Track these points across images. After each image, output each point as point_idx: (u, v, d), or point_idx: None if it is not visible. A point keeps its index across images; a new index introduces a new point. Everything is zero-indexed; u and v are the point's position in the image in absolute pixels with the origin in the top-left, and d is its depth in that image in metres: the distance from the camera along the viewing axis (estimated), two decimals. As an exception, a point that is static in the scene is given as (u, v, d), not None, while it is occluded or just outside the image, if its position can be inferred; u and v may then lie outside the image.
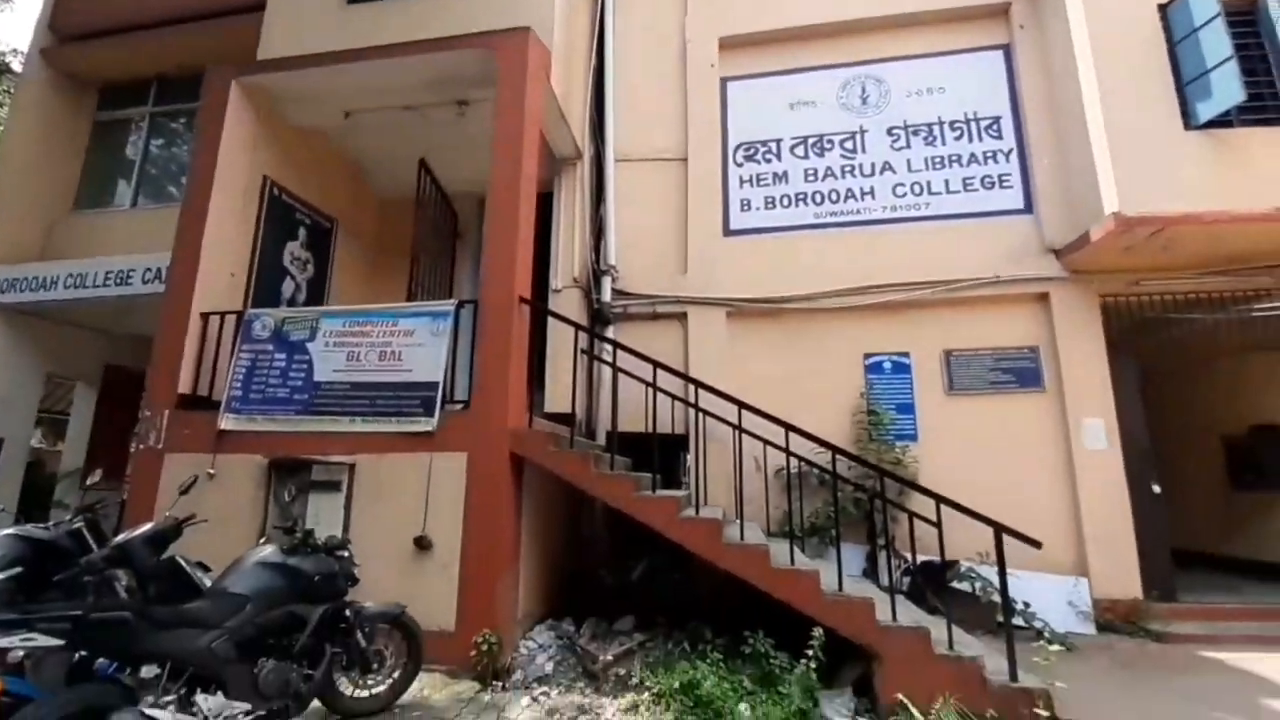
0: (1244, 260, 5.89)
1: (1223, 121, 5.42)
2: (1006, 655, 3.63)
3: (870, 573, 5.94)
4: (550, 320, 6.34)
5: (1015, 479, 6.17)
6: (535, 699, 4.13)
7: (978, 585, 5.58)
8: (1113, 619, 5.56)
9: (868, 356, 6.63)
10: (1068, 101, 6.23)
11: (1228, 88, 5.26)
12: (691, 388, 5.05)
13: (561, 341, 6.41)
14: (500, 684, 4.32)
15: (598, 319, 6.90)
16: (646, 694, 4.04)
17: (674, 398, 5.11)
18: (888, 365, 6.60)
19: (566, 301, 6.81)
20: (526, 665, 4.51)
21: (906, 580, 5.80)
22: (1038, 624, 5.29)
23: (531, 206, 5.49)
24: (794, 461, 4.56)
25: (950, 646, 3.70)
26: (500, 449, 4.75)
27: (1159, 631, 5.30)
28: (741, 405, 4.68)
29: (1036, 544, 3.88)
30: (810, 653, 3.81)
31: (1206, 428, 8.19)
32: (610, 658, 4.47)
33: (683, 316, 6.88)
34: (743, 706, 3.75)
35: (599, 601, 5.46)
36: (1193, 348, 7.82)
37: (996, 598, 5.52)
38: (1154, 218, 5.22)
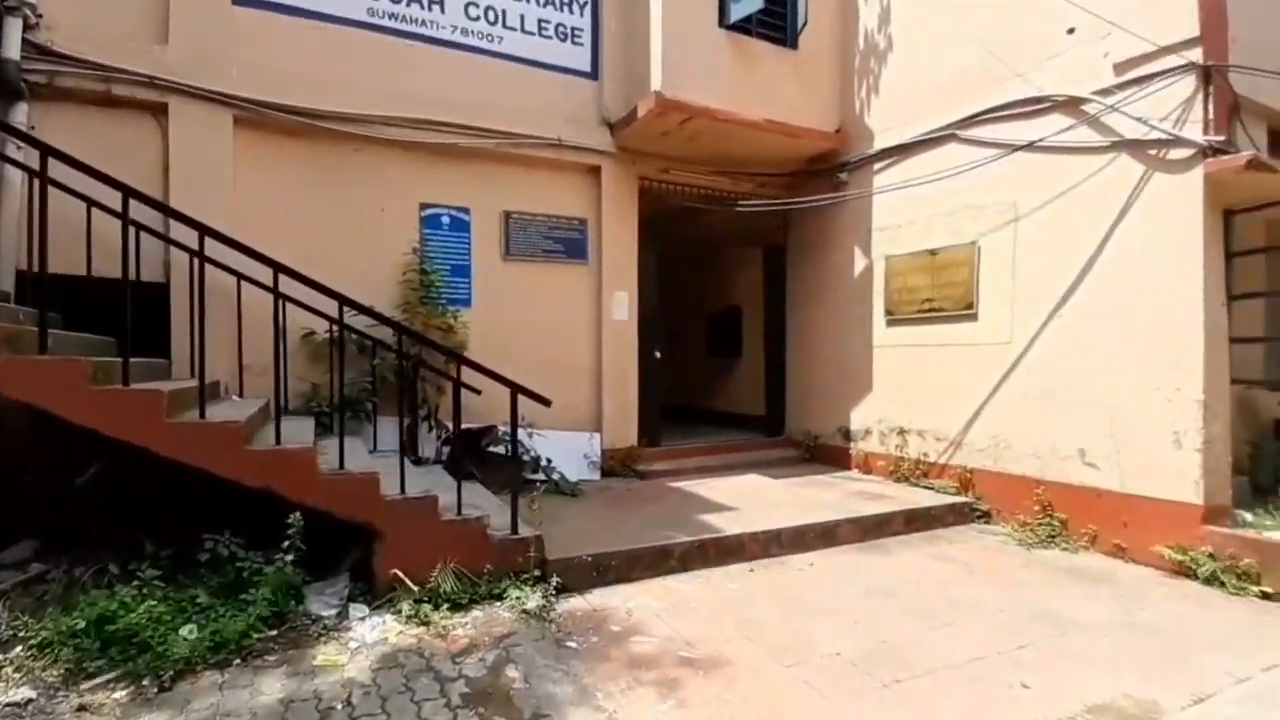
0: (741, 164, 7.10)
1: (744, 27, 6.16)
2: (511, 511, 3.59)
3: (410, 445, 5.47)
4: None
5: (562, 347, 6.47)
6: None
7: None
8: (614, 464, 6.47)
9: (425, 208, 5.84)
10: (638, -30, 6.24)
11: (751, -7, 5.95)
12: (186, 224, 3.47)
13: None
14: None
15: (-8, 87, 4.25)
16: (19, 648, 2.72)
17: (140, 229, 3.45)
18: (446, 220, 5.95)
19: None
20: None
21: (447, 450, 5.60)
22: (555, 476, 5.72)
23: None
24: (326, 326, 3.61)
25: (459, 511, 3.47)
26: None
27: (644, 470, 6.39)
28: (255, 256, 3.37)
29: (546, 402, 3.91)
30: (287, 544, 3.08)
31: (700, 306, 10.24)
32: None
33: (161, 110, 4.78)
34: (186, 629, 2.83)
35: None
36: (699, 236, 9.49)
37: (529, 458, 5.82)
38: (686, 104, 5.69)
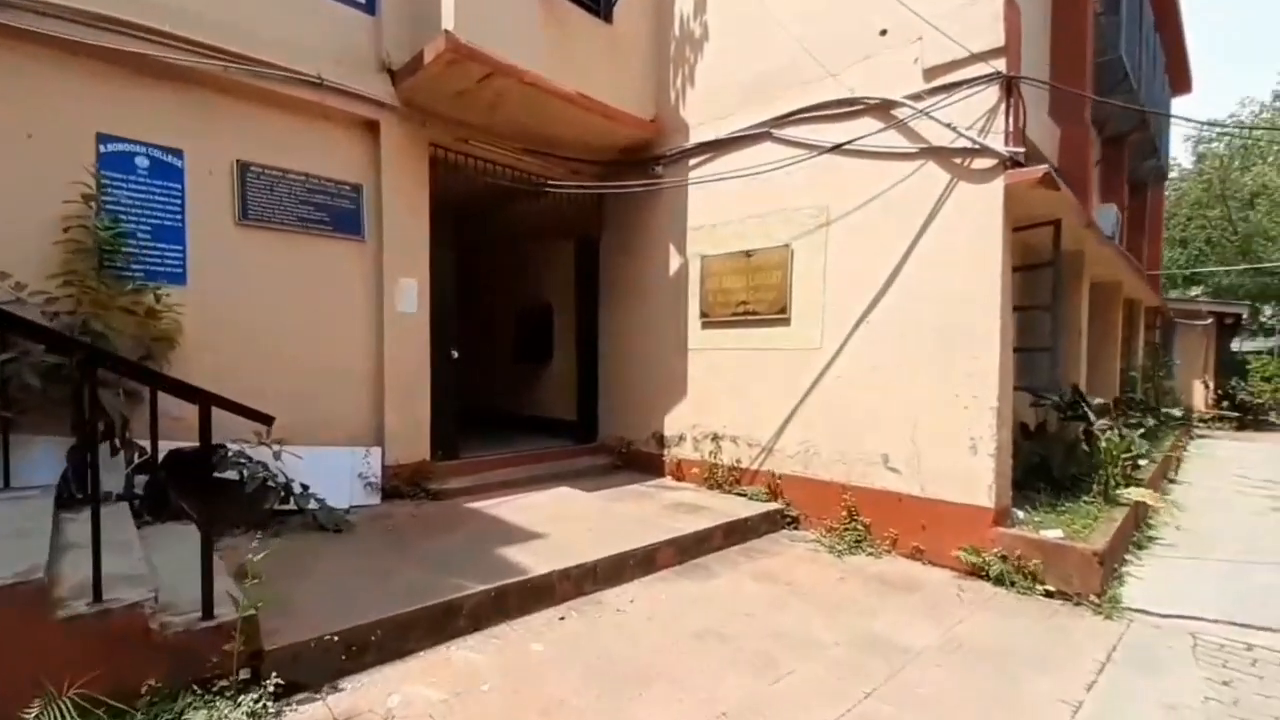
0: (551, 144, 6.35)
1: (560, -14, 5.44)
2: (203, 579, 2.39)
3: (76, 478, 3.79)
4: None
5: (328, 343, 5.14)
6: None
7: (248, 472, 4.29)
8: (399, 484, 5.30)
9: (106, 141, 4.15)
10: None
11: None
12: None
13: None
14: None
15: None
16: None
17: None
18: (144, 163, 4.31)
19: None
20: None
21: (143, 482, 4.03)
22: (313, 506, 4.43)
23: None
24: None
25: (98, 594, 2.19)
26: None
27: (437, 490, 5.31)
28: None
29: (267, 420, 2.79)
30: None
31: (508, 303, 9.28)
32: None
33: None
34: None
35: None
36: (508, 225, 8.56)
37: (275, 481, 4.43)
38: (486, 57, 4.77)
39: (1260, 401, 13.05)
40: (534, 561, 3.68)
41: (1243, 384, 13.43)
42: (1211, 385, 14.06)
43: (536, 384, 8.68)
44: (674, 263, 6.44)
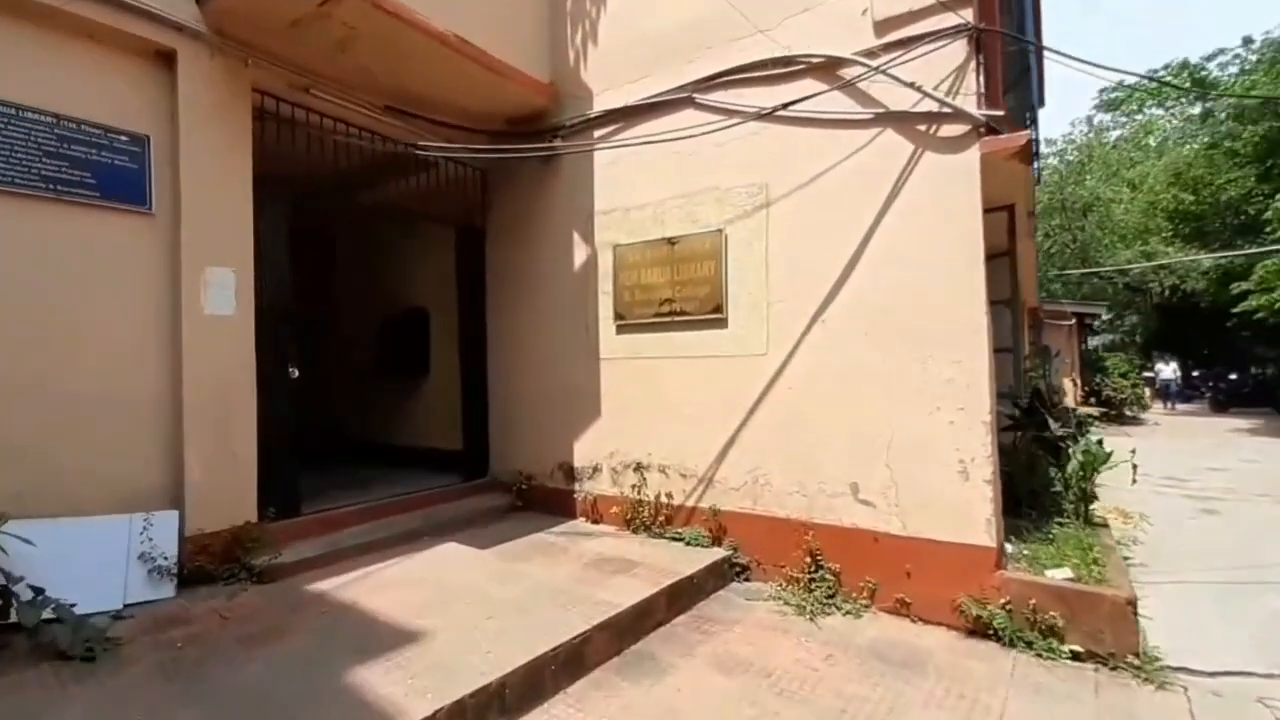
0: (421, 105, 5.05)
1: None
2: None
3: None
4: None
5: (85, 360, 3.55)
6: None
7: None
8: (207, 562, 3.76)
9: None
10: None
11: None
12: None
13: None
14: None
15: None
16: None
17: None
18: None
19: None
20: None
21: None
22: (51, 617, 2.86)
23: None
24: None
25: None
26: None
27: (265, 565, 3.81)
28: None
29: None
30: None
31: (372, 308, 7.69)
32: None
33: None
34: None
35: None
36: (372, 207, 7.05)
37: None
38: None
39: (1123, 397, 14.17)
40: (406, 693, 2.41)
41: (1106, 380, 14.55)
42: (1079, 382, 15.15)
43: (410, 406, 7.16)
44: (579, 254, 5.34)
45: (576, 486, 5.35)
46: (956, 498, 3.46)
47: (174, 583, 3.59)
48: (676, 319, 4.73)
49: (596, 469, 5.22)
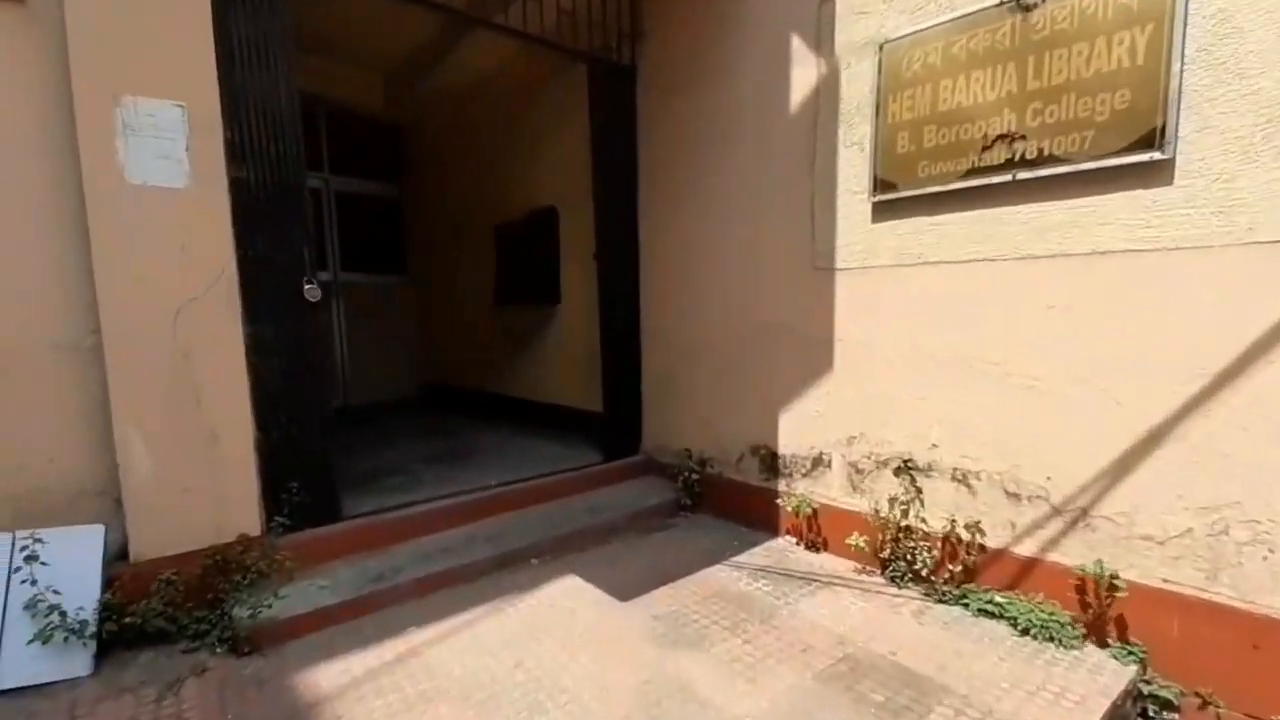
0: None
1: None
2: None
3: None
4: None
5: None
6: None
7: None
8: (161, 607, 2.16)
9: None
10: None
11: None
12: None
13: None
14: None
15: None
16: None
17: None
18: None
19: None
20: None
21: None
22: None
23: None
24: None
25: None
26: None
27: (252, 622, 2.14)
28: None
29: None
30: None
31: (478, 208, 5.77)
32: None
33: None
34: None
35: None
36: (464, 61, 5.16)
37: None
38: None
39: None
40: None
41: None
42: None
43: (532, 347, 5.30)
44: (800, 80, 2.96)
45: (782, 486, 3.18)
46: None
47: (89, 651, 2.02)
48: (1024, 173, 2.22)
49: (820, 461, 2.99)
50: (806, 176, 2.95)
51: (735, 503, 3.40)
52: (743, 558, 2.94)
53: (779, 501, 3.15)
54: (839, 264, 2.85)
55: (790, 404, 3.10)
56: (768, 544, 3.11)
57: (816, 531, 3.01)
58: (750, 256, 3.26)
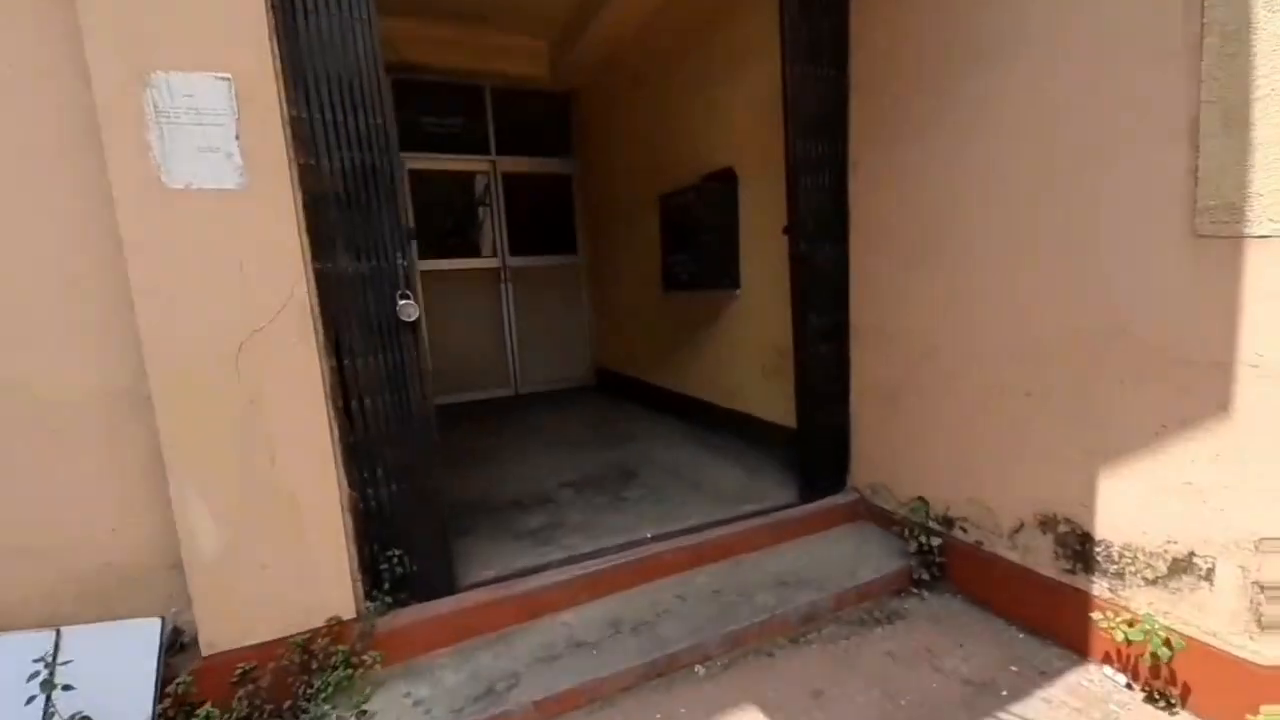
0: None
1: None
2: None
3: None
4: None
5: None
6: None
7: None
8: (240, 714, 1.75)
9: None
10: None
11: None
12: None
13: None
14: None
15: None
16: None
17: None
18: None
19: None
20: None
21: None
22: None
23: None
24: None
25: None
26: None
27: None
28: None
29: None
30: None
31: (638, 176, 4.95)
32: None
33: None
34: None
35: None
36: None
37: None
38: None
39: None
40: None
41: None
42: None
43: (706, 339, 4.35)
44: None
45: (1100, 588, 1.96)
46: None
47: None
48: None
49: (1190, 566, 1.72)
50: (1182, 77, 1.63)
51: (1003, 588, 2.24)
52: (1034, 705, 1.82)
53: (1089, 609, 1.94)
54: (1255, 228, 1.52)
55: (1128, 461, 1.85)
56: (1071, 675, 1.95)
57: (1170, 678, 1.78)
58: (1048, 217, 2.01)
